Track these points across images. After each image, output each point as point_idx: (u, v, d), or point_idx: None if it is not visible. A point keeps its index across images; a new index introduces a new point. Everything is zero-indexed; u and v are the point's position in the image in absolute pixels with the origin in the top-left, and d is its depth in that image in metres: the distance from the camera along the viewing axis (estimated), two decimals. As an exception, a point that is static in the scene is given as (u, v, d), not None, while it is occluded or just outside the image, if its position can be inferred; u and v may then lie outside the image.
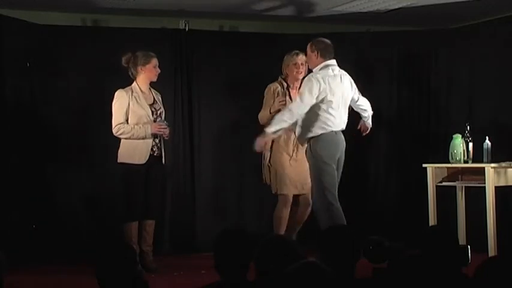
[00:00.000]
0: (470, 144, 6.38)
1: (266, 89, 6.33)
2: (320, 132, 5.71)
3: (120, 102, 5.89)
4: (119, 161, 5.92)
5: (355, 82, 6.03)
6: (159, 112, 6.00)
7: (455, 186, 6.67)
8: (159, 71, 5.98)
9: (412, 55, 7.53)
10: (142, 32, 6.92)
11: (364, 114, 6.14)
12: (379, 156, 7.51)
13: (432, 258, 2.80)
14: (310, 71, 5.95)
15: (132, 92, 5.91)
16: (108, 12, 6.90)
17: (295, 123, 5.83)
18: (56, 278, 5.88)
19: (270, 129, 5.70)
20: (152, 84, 6.06)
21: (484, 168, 6.16)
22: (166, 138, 6.01)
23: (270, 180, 6.31)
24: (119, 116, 5.87)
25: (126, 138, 5.88)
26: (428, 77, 7.49)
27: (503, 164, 6.20)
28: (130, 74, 5.96)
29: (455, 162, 6.40)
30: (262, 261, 3.12)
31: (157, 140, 5.96)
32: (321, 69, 5.78)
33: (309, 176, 5.86)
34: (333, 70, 5.78)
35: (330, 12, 7.06)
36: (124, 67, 5.97)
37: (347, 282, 3.21)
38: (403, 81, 7.57)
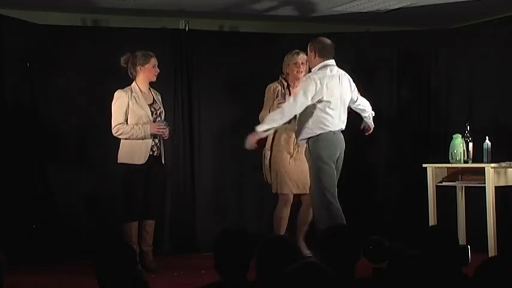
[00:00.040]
0: (470, 144, 6.38)
1: (266, 89, 6.33)
2: (318, 132, 5.71)
3: (120, 102, 5.89)
4: (118, 161, 5.92)
5: (355, 82, 6.03)
6: (158, 112, 6.00)
7: (455, 186, 6.67)
8: (158, 70, 5.98)
9: (412, 55, 7.53)
10: (142, 32, 6.92)
11: (363, 114, 6.14)
12: (379, 156, 7.51)
13: (432, 258, 2.80)
14: (310, 70, 5.96)
15: (132, 92, 5.91)
16: (108, 12, 6.90)
17: (294, 123, 5.85)
18: (56, 278, 5.88)
19: (261, 128, 5.73)
20: (152, 84, 6.05)
21: (484, 168, 6.16)
22: (165, 138, 6.00)
23: (271, 180, 6.31)
24: (118, 116, 5.87)
25: (125, 139, 5.88)
26: (428, 77, 7.49)
27: (503, 164, 6.20)
28: (129, 74, 5.96)
29: (455, 162, 6.40)
30: (263, 261, 3.12)
31: (156, 140, 5.95)
32: (319, 69, 5.79)
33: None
34: (331, 70, 5.79)
35: (330, 12, 7.06)
36: (123, 67, 5.97)
37: (347, 282, 3.21)
38: (403, 81, 7.57)
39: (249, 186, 7.29)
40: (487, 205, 6.11)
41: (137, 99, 5.90)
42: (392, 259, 3.34)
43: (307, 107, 5.73)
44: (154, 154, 5.94)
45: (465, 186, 6.65)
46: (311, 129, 5.74)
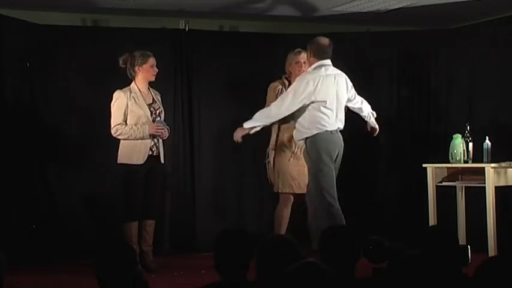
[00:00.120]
0: (470, 144, 6.38)
1: (269, 88, 6.33)
2: (315, 132, 5.72)
3: (118, 102, 5.89)
4: (118, 161, 5.92)
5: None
6: (158, 112, 6.00)
7: (455, 186, 6.67)
8: (157, 70, 5.97)
9: (412, 55, 7.53)
10: (142, 32, 6.92)
11: (361, 114, 6.14)
12: (379, 156, 7.51)
13: (432, 258, 2.80)
14: None
15: (131, 92, 5.91)
16: (108, 12, 6.90)
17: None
18: (56, 278, 5.88)
19: (247, 125, 5.85)
20: (152, 84, 6.06)
21: (484, 168, 6.16)
22: (164, 138, 6.00)
23: (274, 179, 6.31)
24: (117, 116, 5.88)
25: (124, 139, 5.88)
26: (428, 77, 7.49)
27: (503, 164, 6.20)
28: (128, 74, 5.96)
29: (455, 162, 6.40)
30: (263, 261, 3.12)
31: (156, 140, 5.96)
32: (314, 69, 5.82)
33: None
34: (326, 70, 5.80)
35: (330, 12, 7.06)
36: (122, 68, 5.96)
37: (347, 282, 3.21)
38: (403, 81, 7.58)
39: (249, 186, 7.30)
40: (487, 205, 6.11)
41: (136, 100, 5.90)
42: (392, 259, 3.34)
43: (303, 107, 5.74)
44: (154, 154, 5.94)
45: (465, 186, 6.65)
46: (308, 129, 5.75)
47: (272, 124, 6.13)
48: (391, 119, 7.38)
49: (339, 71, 5.89)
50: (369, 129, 6.20)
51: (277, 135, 6.25)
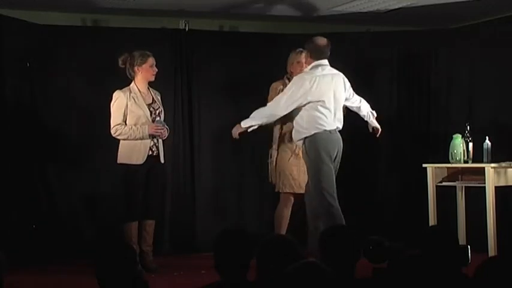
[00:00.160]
0: (470, 144, 6.38)
1: (271, 88, 6.33)
2: (314, 132, 5.72)
3: (118, 103, 5.89)
4: (118, 161, 5.92)
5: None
6: (157, 112, 6.00)
7: (455, 186, 6.67)
8: (156, 70, 5.97)
9: (412, 55, 7.53)
10: (142, 32, 6.92)
11: (360, 113, 6.13)
12: (379, 156, 7.50)
13: (432, 258, 2.80)
14: None
15: (130, 92, 5.91)
16: (108, 12, 6.90)
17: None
18: (56, 278, 5.88)
19: (245, 124, 5.88)
20: (152, 84, 6.06)
21: (484, 168, 6.16)
22: (163, 138, 5.99)
23: (275, 179, 6.30)
24: (117, 116, 5.88)
25: (124, 139, 5.88)
26: (428, 77, 7.49)
27: (503, 164, 6.20)
28: (127, 74, 5.96)
29: (455, 162, 6.40)
30: (263, 260, 3.12)
31: (155, 140, 5.96)
32: (310, 69, 5.84)
33: None
34: (322, 69, 5.81)
35: (330, 12, 7.06)
36: (122, 68, 5.96)
37: (347, 282, 3.21)
38: (403, 81, 7.57)
39: (249, 186, 7.30)
40: (487, 205, 6.11)
41: (136, 100, 5.90)
42: (392, 259, 3.34)
43: (300, 107, 5.75)
44: (154, 154, 5.94)
45: (465, 186, 6.65)
46: (306, 129, 5.75)
47: (275, 124, 6.15)
48: (391, 119, 7.37)
49: (336, 71, 5.89)
50: (370, 130, 6.18)
51: (280, 136, 6.25)
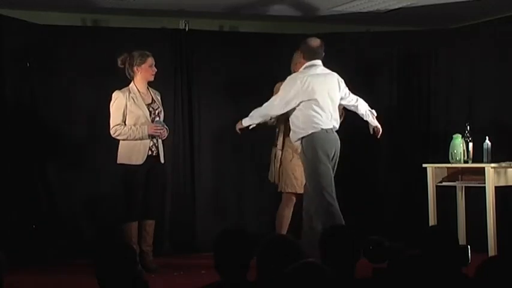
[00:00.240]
0: (470, 144, 6.38)
1: (275, 88, 6.34)
2: (310, 131, 5.73)
3: (117, 103, 5.89)
4: (118, 161, 5.92)
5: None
6: (157, 112, 6.00)
7: (455, 186, 6.67)
8: (156, 70, 5.97)
9: (412, 55, 7.53)
10: (142, 32, 6.92)
11: (358, 112, 6.12)
12: (379, 156, 7.50)
13: (432, 258, 2.80)
14: None
15: (130, 92, 5.91)
16: (108, 12, 6.90)
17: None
18: (56, 278, 5.88)
19: (245, 123, 5.98)
20: (152, 84, 6.05)
21: (484, 168, 6.16)
22: (162, 139, 5.99)
23: (278, 179, 6.30)
24: (116, 117, 5.88)
25: (123, 139, 5.88)
26: (428, 77, 7.49)
27: (503, 164, 6.20)
28: (127, 74, 5.96)
29: (455, 162, 6.40)
30: (264, 260, 3.12)
31: (155, 140, 5.95)
32: (304, 69, 5.87)
33: None
34: (315, 69, 5.84)
35: (330, 12, 7.06)
36: (121, 68, 5.96)
37: (347, 282, 3.21)
38: (403, 81, 7.57)
39: (249, 186, 7.30)
40: (487, 205, 6.11)
41: (135, 100, 5.90)
42: (392, 259, 3.34)
43: (295, 108, 5.76)
44: (153, 154, 5.94)
45: (465, 186, 6.65)
46: (303, 129, 5.76)
47: (278, 124, 6.15)
48: (391, 119, 7.37)
49: (329, 71, 5.92)
50: (371, 130, 6.17)
51: (283, 135, 6.26)
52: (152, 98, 6.02)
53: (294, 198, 6.24)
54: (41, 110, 6.65)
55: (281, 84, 6.28)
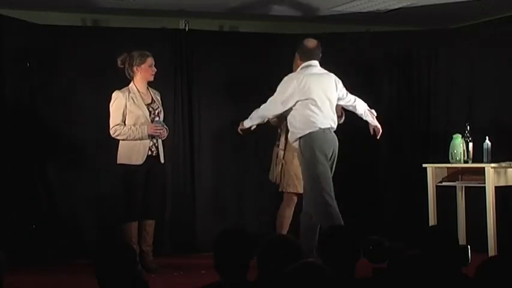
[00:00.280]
0: (470, 144, 6.38)
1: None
2: (308, 131, 5.72)
3: (117, 103, 5.89)
4: (118, 162, 5.92)
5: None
6: (156, 112, 6.00)
7: (455, 186, 6.67)
8: (155, 70, 5.97)
9: (412, 55, 7.54)
10: (142, 32, 6.92)
11: (356, 112, 6.11)
12: (379, 156, 7.50)
13: (432, 258, 2.80)
14: None
15: (129, 92, 5.91)
16: (108, 12, 6.90)
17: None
18: (56, 278, 5.88)
19: (246, 124, 5.98)
20: (152, 84, 6.05)
21: (484, 168, 6.16)
22: (162, 139, 5.99)
23: (280, 179, 6.30)
24: (116, 117, 5.88)
25: (123, 140, 5.88)
26: (428, 77, 7.48)
27: (503, 164, 6.20)
28: (127, 74, 5.96)
29: (455, 162, 6.40)
30: (264, 260, 3.12)
31: (154, 140, 5.95)
32: (300, 69, 5.87)
33: None
34: (311, 69, 5.84)
35: (330, 12, 7.06)
36: (121, 68, 5.96)
37: (347, 282, 3.21)
38: (403, 81, 7.58)
39: (249, 186, 7.30)
40: (487, 205, 6.11)
41: (135, 100, 5.90)
42: (392, 259, 3.34)
43: (292, 108, 5.76)
44: (153, 154, 5.94)
45: (465, 186, 6.65)
46: (300, 129, 5.76)
47: (280, 124, 6.16)
48: (391, 119, 7.37)
49: (326, 71, 5.92)
50: (372, 131, 6.16)
51: (286, 136, 6.26)
52: (152, 98, 6.02)
53: (296, 198, 6.23)
54: (41, 110, 6.65)
55: None
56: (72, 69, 6.75)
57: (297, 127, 5.78)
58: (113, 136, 5.89)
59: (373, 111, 6.15)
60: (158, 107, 6.03)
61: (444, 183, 6.55)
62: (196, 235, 7.07)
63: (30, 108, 6.59)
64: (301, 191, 6.16)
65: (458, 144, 6.38)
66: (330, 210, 5.62)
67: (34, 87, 6.64)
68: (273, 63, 6.78)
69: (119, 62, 5.95)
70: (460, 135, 6.40)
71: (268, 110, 5.89)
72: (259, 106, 6.09)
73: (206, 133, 7.20)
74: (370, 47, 7.49)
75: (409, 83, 7.56)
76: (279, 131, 6.28)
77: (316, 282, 2.49)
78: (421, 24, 7.51)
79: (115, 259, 3.06)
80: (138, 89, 5.93)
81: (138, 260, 4.59)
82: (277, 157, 6.29)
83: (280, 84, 5.87)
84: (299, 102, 5.74)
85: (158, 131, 5.90)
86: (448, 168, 6.54)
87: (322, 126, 5.73)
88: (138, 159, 5.86)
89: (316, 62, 5.88)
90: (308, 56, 5.87)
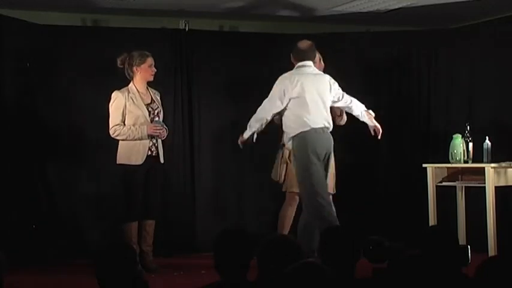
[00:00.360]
0: (470, 144, 6.38)
1: None
2: (300, 130, 5.73)
3: (117, 103, 5.89)
4: (117, 162, 5.92)
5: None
6: (156, 112, 6.00)
7: (455, 186, 6.67)
8: (155, 70, 5.97)
9: (412, 55, 7.54)
10: (142, 32, 6.92)
11: (353, 113, 6.11)
12: (379, 156, 7.50)
13: (432, 258, 2.80)
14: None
15: (129, 92, 5.91)
16: (108, 12, 6.90)
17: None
18: (56, 278, 5.88)
19: (246, 135, 5.94)
20: (151, 84, 6.05)
21: (484, 168, 6.16)
22: (162, 139, 5.99)
23: (284, 179, 6.29)
24: (115, 117, 5.88)
25: (122, 140, 5.88)
26: (428, 77, 7.49)
27: (503, 164, 6.20)
28: (126, 74, 5.96)
29: (455, 162, 6.40)
30: (264, 260, 3.12)
31: (154, 140, 5.95)
32: (295, 69, 5.89)
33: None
34: (305, 70, 5.85)
35: (330, 12, 7.06)
36: (121, 68, 5.96)
37: (347, 282, 3.21)
38: (403, 81, 7.57)
39: (249, 186, 7.29)
40: (487, 205, 6.11)
41: (134, 100, 5.90)
42: (392, 259, 3.34)
43: (286, 108, 5.76)
44: (153, 154, 5.94)
45: (465, 186, 6.65)
46: (293, 128, 5.77)
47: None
48: (391, 119, 7.37)
49: (320, 72, 5.93)
50: (372, 132, 6.15)
51: None
52: (151, 98, 6.02)
53: (298, 199, 6.23)
54: (41, 110, 6.65)
55: None
56: (72, 69, 6.75)
57: (290, 127, 5.79)
58: (112, 136, 5.89)
59: (370, 111, 6.13)
60: (158, 107, 6.03)
61: (444, 183, 6.55)
62: (196, 235, 7.07)
63: (30, 108, 6.59)
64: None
65: (458, 144, 6.38)
66: (324, 213, 5.62)
67: (34, 87, 6.64)
68: (273, 63, 6.77)
69: (119, 62, 5.95)
70: (460, 135, 6.40)
71: (265, 111, 5.87)
72: (259, 106, 6.09)
73: (206, 133, 7.20)
74: (370, 47, 7.49)
75: (409, 83, 7.56)
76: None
77: (316, 282, 2.49)
78: (421, 24, 7.51)
79: (115, 259, 3.06)
80: (137, 89, 5.93)
81: (138, 260, 4.59)
82: (282, 156, 6.29)
83: (275, 85, 5.87)
84: (292, 102, 5.75)
85: (158, 131, 5.90)
86: (448, 168, 6.54)
87: (315, 126, 5.72)
88: (138, 159, 5.86)
89: (310, 63, 5.89)
90: (301, 56, 5.89)
